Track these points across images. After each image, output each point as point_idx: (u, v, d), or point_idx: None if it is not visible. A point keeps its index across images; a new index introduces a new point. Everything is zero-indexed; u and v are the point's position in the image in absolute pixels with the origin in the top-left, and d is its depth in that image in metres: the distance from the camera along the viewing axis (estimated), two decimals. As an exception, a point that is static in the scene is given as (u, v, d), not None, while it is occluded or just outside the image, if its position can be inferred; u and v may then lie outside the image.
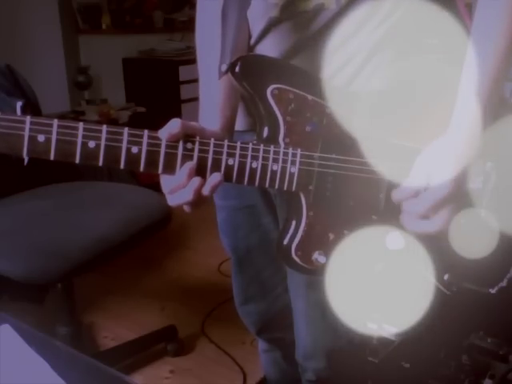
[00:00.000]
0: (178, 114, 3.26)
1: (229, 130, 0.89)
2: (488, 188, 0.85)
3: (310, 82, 0.83)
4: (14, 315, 0.72)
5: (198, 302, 2.26)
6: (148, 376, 1.84)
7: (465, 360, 1.48)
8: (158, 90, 3.66)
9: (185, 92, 3.53)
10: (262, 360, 1.40)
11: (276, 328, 1.24)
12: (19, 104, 1.75)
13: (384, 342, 1.60)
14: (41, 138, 0.68)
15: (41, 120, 0.68)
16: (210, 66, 0.90)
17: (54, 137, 0.68)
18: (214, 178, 0.75)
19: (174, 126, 0.72)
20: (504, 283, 0.87)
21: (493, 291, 0.87)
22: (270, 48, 0.91)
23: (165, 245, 2.71)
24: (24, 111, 1.75)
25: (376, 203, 0.84)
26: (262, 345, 1.37)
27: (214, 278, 2.42)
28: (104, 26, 3.75)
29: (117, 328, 2.08)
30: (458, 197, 0.78)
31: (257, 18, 0.90)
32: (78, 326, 1.76)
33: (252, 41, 0.92)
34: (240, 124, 0.99)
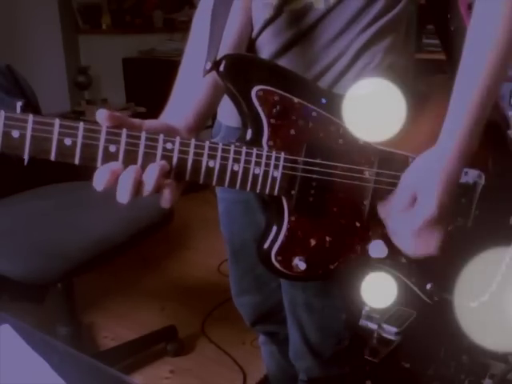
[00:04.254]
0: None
1: (195, 128, 0.87)
2: (475, 198, 0.85)
3: (297, 83, 0.81)
4: (13, 315, 0.72)
5: (198, 302, 2.26)
6: (148, 376, 1.84)
7: (465, 360, 1.48)
8: (158, 90, 3.65)
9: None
10: (262, 353, 1.40)
11: (270, 322, 1.25)
12: (19, 104, 1.74)
13: (384, 342, 1.60)
14: (15, 133, 0.67)
15: (16, 115, 0.67)
16: (196, 61, 0.89)
17: (28, 133, 0.67)
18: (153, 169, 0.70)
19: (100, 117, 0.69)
20: (486, 297, 0.85)
21: (473, 305, 0.86)
22: (263, 46, 0.92)
23: (165, 245, 2.71)
24: (24, 111, 1.74)
25: (360, 210, 0.83)
26: (260, 337, 1.37)
27: (213, 278, 2.42)
28: (104, 26, 3.76)
29: (117, 328, 2.08)
30: (447, 212, 0.79)
31: (257, 17, 0.91)
32: (78, 326, 1.76)
33: (253, 35, 0.93)
34: (235, 120, 0.98)
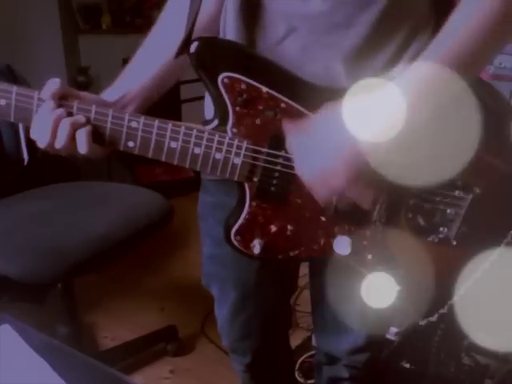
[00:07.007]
0: (178, 114, 3.25)
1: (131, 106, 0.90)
2: (460, 214, 0.80)
3: (271, 73, 0.78)
4: (14, 315, 0.72)
5: (198, 302, 2.25)
6: (148, 376, 1.84)
7: (465, 360, 1.48)
8: (158, 89, 3.65)
9: (185, 92, 3.52)
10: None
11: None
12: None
13: (384, 342, 1.59)
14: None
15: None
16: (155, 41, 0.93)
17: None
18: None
19: (54, 84, 0.78)
20: (445, 310, 0.85)
21: (433, 319, 0.86)
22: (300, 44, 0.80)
23: (165, 245, 2.70)
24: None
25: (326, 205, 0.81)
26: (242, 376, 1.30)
27: (214, 278, 2.42)
28: (104, 26, 3.75)
29: (117, 328, 2.08)
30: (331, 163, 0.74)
31: (291, 14, 0.79)
32: (78, 326, 1.76)
33: (276, 39, 0.81)
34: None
